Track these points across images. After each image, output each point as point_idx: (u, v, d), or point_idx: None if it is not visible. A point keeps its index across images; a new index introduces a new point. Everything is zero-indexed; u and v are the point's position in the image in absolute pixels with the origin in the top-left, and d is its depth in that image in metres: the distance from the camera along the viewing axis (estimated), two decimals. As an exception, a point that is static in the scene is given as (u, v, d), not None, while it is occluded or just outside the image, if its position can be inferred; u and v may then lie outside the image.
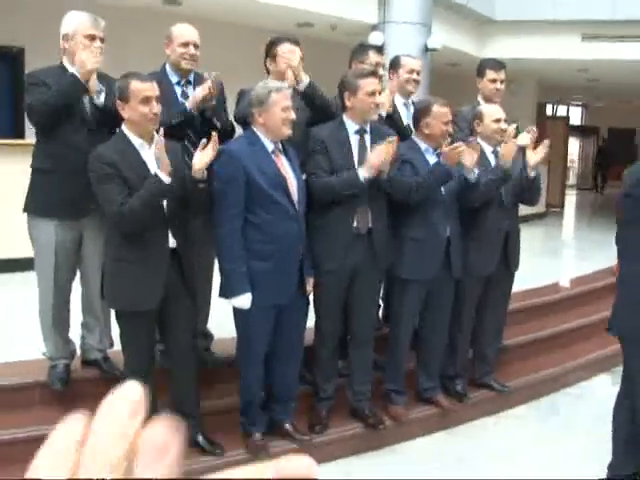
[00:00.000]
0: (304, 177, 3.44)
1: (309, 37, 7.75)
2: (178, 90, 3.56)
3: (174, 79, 3.55)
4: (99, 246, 3.35)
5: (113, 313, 3.43)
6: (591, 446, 3.10)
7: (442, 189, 3.76)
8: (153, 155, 3.00)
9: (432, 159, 3.78)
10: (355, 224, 3.53)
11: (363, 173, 3.42)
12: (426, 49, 8.67)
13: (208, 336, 3.90)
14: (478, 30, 10.65)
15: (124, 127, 3.05)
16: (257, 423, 3.50)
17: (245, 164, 3.15)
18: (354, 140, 3.58)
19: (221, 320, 3.65)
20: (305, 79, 3.55)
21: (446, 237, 3.79)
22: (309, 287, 3.46)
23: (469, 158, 3.69)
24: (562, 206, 14.22)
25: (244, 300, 3.18)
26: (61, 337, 3.45)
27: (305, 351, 3.62)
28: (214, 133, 3.07)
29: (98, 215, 3.28)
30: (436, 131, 3.75)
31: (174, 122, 3.28)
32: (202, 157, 3.00)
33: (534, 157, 3.83)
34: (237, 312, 3.28)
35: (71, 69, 3.16)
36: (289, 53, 3.54)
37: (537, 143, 4.01)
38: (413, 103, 4.13)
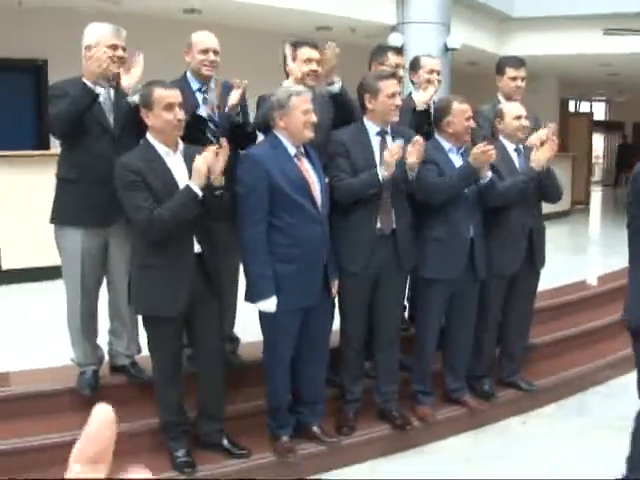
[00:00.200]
0: (327, 180, 3.45)
1: (328, 40, 7.76)
2: (199, 97, 3.59)
3: (195, 86, 3.59)
4: (125, 253, 3.39)
5: (140, 319, 3.47)
6: (621, 445, 3.07)
7: (466, 189, 3.75)
8: (180, 163, 3.03)
9: (456, 159, 3.77)
10: (379, 225, 3.54)
11: (382, 172, 3.43)
12: (446, 49, 8.64)
13: (234, 340, 3.92)
14: (497, 28, 10.59)
15: (149, 135, 3.09)
16: (284, 426, 3.51)
17: (268, 168, 3.17)
18: (375, 142, 3.58)
19: (247, 324, 3.67)
20: (338, 81, 3.57)
21: (470, 237, 3.77)
22: (334, 289, 3.47)
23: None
24: (587, 203, 14.07)
25: (270, 304, 3.20)
26: (89, 343, 3.49)
27: (331, 353, 3.63)
28: (223, 139, 3.09)
29: (124, 222, 3.32)
30: (459, 128, 3.74)
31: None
32: (217, 164, 3.02)
33: (538, 153, 3.80)
34: (263, 316, 3.29)
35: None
36: (332, 50, 3.52)
37: (560, 139, 3.97)
38: (433, 103, 4.12)
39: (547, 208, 4.51)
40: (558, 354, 4.83)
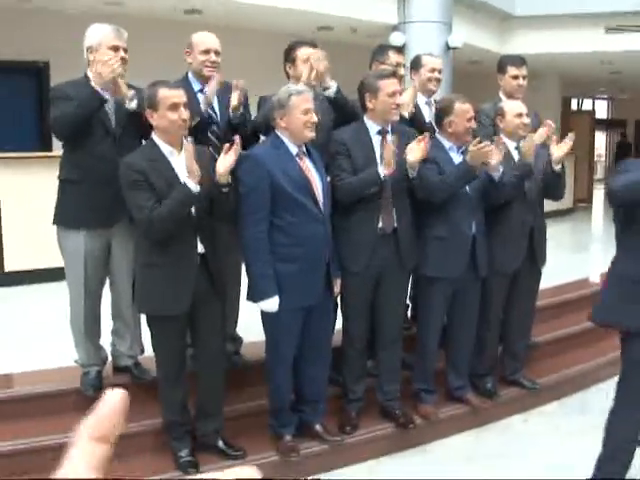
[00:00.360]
0: (328, 179, 3.46)
1: (329, 40, 7.77)
2: (201, 98, 3.60)
3: (196, 87, 3.60)
4: (128, 253, 3.40)
5: (144, 319, 3.48)
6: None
7: (467, 187, 3.75)
8: (184, 162, 3.05)
9: (457, 157, 3.78)
10: (380, 224, 3.54)
11: (382, 170, 3.43)
12: (447, 47, 8.64)
13: (237, 340, 3.93)
14: (499, 26, 10.59)
15: (154, 135, 3.11)
16: (287, 425, 3.52)
17: (269, 168, 3.18)
18: (376, 141, 3.59)
19: (250, 323, 3.68)
20: (333, 85, 3.57)
21: (471, 235, 3.78)
22: (337, 288, 3.48)
23: (495, 157, 3.68)
24: (590, 201, 14.07)
25: (272, 303, 3.20)
26: (92, 344, 3.50)
27: (333, 352, 3.64)
28: (236, 137, 3.10)
29: (126, 223, 3.34)
30: (460, 129, 3.75)
31: (192, 124, 3.32)
32: (224, 162, 3.04)
33: (557, 151, 3.80)
34: (265, 315, 3.30)
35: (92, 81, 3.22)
36: (317, 60, 3.54)
37: (562, 137, 3.97)
38: (435, 102, 4.13)
39: (550, 206, 4.52)
40: (560, 352, 4.84)
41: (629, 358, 2.98)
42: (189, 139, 3.03)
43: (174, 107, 3.02)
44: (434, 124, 3.94)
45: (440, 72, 4.32)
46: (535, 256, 4.10)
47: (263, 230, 3.18)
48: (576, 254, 8.11)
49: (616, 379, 3.05)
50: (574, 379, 4.68)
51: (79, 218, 3.33)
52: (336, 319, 3.72)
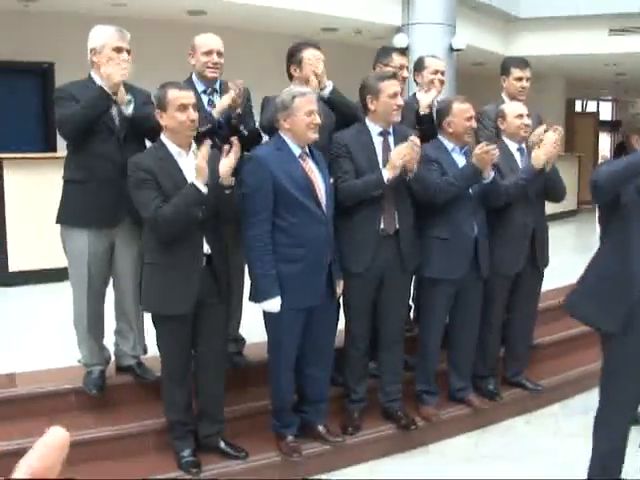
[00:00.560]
0: (331, 181, 3.47)
1: (334, 42, 7.80)
2: (205, 99, 3.62)
3: (200, 88, 3.61)
4: (131, 253, 3.42)
5: (147, 319, 3.50)
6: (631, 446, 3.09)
7: (469, 189, 3.76)
8: (191, 163, 3.07)
9: (459, 158, 3.79)
10: (382, 225, 3.55)
11: (386, 174, 3.44)
12: (451, 49, 8.66)
13: (240, 340, 3.94)
14: (503, 28, 10.60)
15: (163, 136, 3.14)
16: (289, 425, 3.53)
17: (272, 169, 3.19)
18: (377, 142, 3.60)
19: (253, 324, 3.69)
20: (328, 85, 3.59)
21: (474, 237, 3.79)
22: (339, 289, 3.49)
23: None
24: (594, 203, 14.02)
25: (274, 304, 3.22)
26: (96, 344, 3.52)
27: (336, 353, 3.64)
28: (234, 139, 3.12)
29: (130, 223, 3.35)
30: (459, 129, 3.76)
31: (202, 130, 3.33)
32: (225, 164, 3.05)
33: (538, 152, 3.80)
34: (267, 316, 3.31)
35: (99, 82, 3.23)
36: (314, 60, 3.57)
37: (567, 139, 3.97)
38: (437, 104, 4.14)
39: (554, 208, 4.52)
40: (562, 354, 4.84)
41: (608, 359, 2.94)
42: (207, 142, 3.05)
43: (183, 108, 3.04)
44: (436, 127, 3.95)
45: (443, 74, 4.33)
46: (536, 258, 4.11)
47: (266, 231, 3.20)
48: (580, 256, 8.08)
49: None
50: (576, 381, 4.68)
51: (83, 218, 3.35)
52: (338, 320, 3.73)
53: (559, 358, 4.82)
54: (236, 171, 3.15)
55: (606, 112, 20.89)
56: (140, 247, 3.33)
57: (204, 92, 3.63)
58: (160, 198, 3.01)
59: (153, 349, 3.51)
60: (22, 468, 0.50)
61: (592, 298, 2.93)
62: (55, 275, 5.39)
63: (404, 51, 4.74)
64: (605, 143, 21.02)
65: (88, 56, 3.35)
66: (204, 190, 3.00)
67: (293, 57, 3.66)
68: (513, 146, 4.01)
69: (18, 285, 5.83)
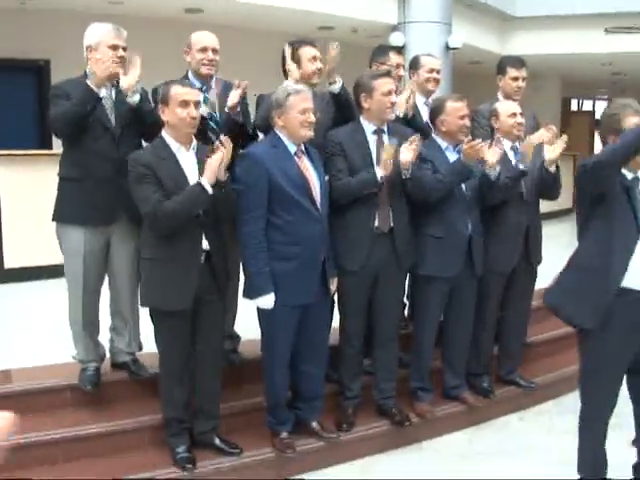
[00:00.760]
0: (327, 179, 3.48)
1: (330, 40, 7.79)
2: (200, 96, 3.62)
3: (196, 85, 3.61)
4: (127, 250, 3.43)
5: (143, 316, 3.51)
6: (616, 442, 3.10)
7: (463, 186, 3.78)
8: (191, 159, 3.11)
9: (453, 157, 3.80)
10: (376, 223, 3.56)
11: (379, 172, 3.46)
12: (447, 48, 8.67)
13: (235, 337, 3.95)
14: (500, 27, 10.62)
15: (164, 132, 3.17)
16: (284, 422, 3.54)
17: (267, 166, 3.20)
18: (372, 140, 3.61)
19: (248, 321, 3.70)
20: (338, 81, 3.60)
21: (468, 235, 3.80)
22: (333, 287, 3.50)
23: (493, 156, 3.70)
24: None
25: (267, 300, 3.23)
26: (91, 340, 3.53)
27: (330, 350, 3.66)
28: (223, 136, 3.13)
29: (126, 220, 3.36)
30: (452, 127, 3.77)
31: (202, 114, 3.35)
32: (214, 159, 3.06)
33: (550, 153, 3.80)
34: (261, 312, 3.33)
35: (89, 79, 3.25)
36: (334, 54, 3.56)
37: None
38: (431, 102, 4.15)
39: (549, 206, 4.52)
40: (556, 352, 4.85)
41: (587, 358, 2.95)
42: (225, 139, 3.08)
43: (184, 104, 3.07)
44: (430, 124, 3.96)
45: (439, 72, 4.33)
46: (530, 256, 4.13)
47: (260, 228, 3.21)
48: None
49: None
50: (570, 378, 4.67)
51: (79, 216, 3.35)
52: (333, 317, 3.74)
53: (553, 356, 4.84)
54: (230, 169, 3.16)
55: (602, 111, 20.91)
56: (137, 244, 3.34)
57: (200, 89, 3.63)
58: (160, 193, 3.04)
59: (148, 346, 3.52)
60: None
61: (570, 296, 2.93)
62: (50, 272, 5.40)
63: (400, 49, 4.76)
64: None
65: (84, 53, 3.36)
66: (210, 191, 3.03)
67: (291, 55, 3.65)
68: (507, 144, 4.03)
69: (13, 282, 5.83)
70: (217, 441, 3.42)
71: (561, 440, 3.79)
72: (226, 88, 3.62)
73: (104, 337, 3.64)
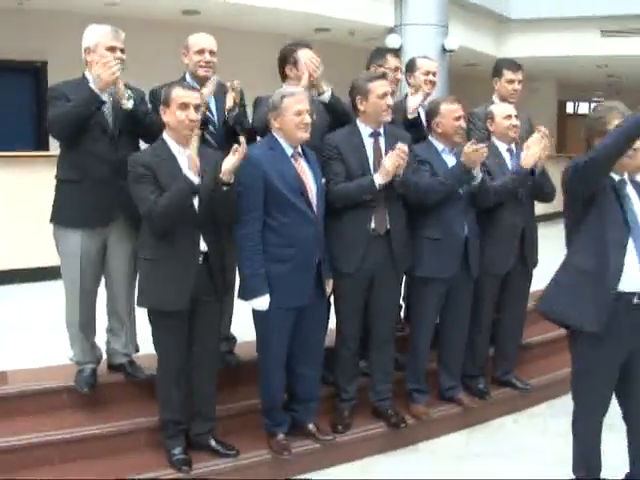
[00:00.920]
0: (323, 181, 3.48)
1: (327, 42, 7.82)
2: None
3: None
4: (124, 252, 3.44)
5: (139, 317, 3.51)
6: (610, 443, 3.12)
7: (460, 189, 3.79)
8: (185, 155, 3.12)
9: (449, 159, 3.82)
10: (373, 226, 3.57)
11: (378, 179, 3.46)
12: (444, 50, 8.69)
13: (231, 339, 3.96)
14: (496, 29, 10.64)
15: (165, 133, 3.19)
16: (280, 424, 3.54)
17: (265, 168, 3.21)
18: (368, 143, 3.62)
19: (244, 323, 3.70)
20: (327, 90, 3.61)
21: (464, 236, 3.81)
22: (328, 289, 3.51)
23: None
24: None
25: (262, 302, 3.23)
26: (88, 342, 3.53)
27: (326, 352, 3.66)
28: (242, 138, 3.14)
29: (122, 221, 3.37)
30: (448, 129, 3.79)
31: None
32: (230, 161, 3.07)
33: (529, 157, 3.81)
34: (256, 314, 3.33)
35: (91, 82, 3.25)
36: (314, 62, 3.57)
37: (558, 141, 3.99)
38: (427, 105, 4.16)
39: (545, 208, 4.51)
40: (551, 354, 4.86)
41: (580, 360, 2.95)
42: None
43: (184, 106, 3.09)
44: (425, 127, 3.97)
45: (435, 75, 4.34)
46: (525, 258, 4.14)
47: (256, 230, 3.22)
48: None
49: None
50: (565, 380, 4.65)
51: (77, 218, 3.36)
52: (329, 319, 3.75)
53: (548, 358, 4.85)
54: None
55: (587, 115, 20.93)
56: (134, 245, 3.35)
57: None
58: (157, 193, 3.05)
59: (145, 347, 3.53)
60: None
61: (569, 299, 2.89)
62: (47, 273, 5.40)
63: (397, 52, 4.76)
64: (597, 144, 21.04)
65: (82, 55, 3.36)
66: (195, 180, 3.03)
67: (288, 58, 3.66)
68: (502, 147, 4.05)
69: (10, 284, 5.82)
70: (213, 443, 3.43)
71: (555, 442, 3.80)
72: (222, 90, 3.62)
73: (101, 339, 3.64)
